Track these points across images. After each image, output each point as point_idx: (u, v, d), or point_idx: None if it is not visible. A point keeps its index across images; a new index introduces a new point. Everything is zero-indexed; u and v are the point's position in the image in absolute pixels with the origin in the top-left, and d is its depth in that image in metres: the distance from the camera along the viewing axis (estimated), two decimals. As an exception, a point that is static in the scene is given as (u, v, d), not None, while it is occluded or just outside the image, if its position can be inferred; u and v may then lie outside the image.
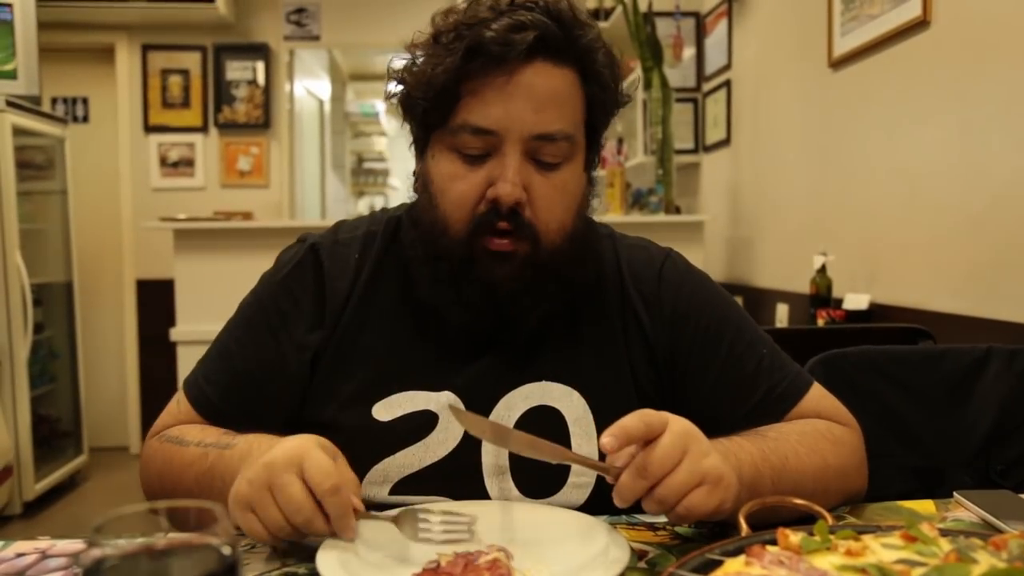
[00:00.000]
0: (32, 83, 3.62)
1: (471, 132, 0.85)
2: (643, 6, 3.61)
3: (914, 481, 1.25)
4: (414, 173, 0.94)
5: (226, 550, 0.49)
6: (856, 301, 2.44)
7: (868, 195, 2.50)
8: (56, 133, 3.90)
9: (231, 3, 4.53)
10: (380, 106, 7.60)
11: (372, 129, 8.11)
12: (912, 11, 2.19)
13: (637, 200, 3.66)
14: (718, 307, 0.96)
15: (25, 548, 0.79)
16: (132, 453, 4.56)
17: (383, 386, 0.90)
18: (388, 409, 0.89)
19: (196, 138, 4.67)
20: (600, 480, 0.88)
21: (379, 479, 0.88)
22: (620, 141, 3.94)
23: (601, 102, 0.90)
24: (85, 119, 4.68)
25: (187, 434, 0.88)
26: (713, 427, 0.75)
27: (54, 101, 4.60)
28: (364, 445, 0.86)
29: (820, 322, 2.48)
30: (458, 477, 0.88)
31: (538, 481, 0.88)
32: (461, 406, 0.88)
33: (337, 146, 6.66)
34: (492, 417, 0.89)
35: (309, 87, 5.41)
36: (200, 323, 3.21)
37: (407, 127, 0.94)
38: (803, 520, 0.71)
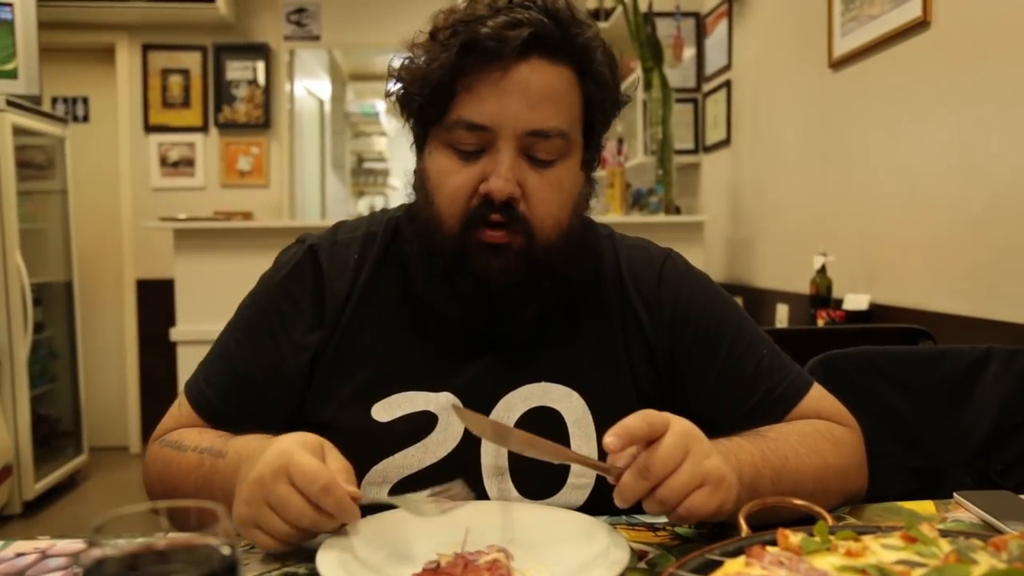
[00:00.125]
0: (32, 83, 3.62)
1: (465, 128, 0.85)
2: (643, 6, 3.61)
3: (914, 482, 1.25)
4: (413, 171, 0.94)
5: (226, 550, 0.49)
6: (856, 301, 2.44)
7: (868, 195, 2.50)
8: (56, 133, 3.90)
9: (231, 3, 4.53)
10: (380, 106, 7.61)
11: (372, 129, 8.12)
12: (912, 11, 2.19)
13: (637, 200, 3.66)
14: (718, 308, 0.96)
15: (25, 548, 0.78)
16: (132, 453, 4.56)
17: (382, 387, 0.89)
18: (387, 410, 0.89)
19: (196, 138, 4.67)
20: (599, 481, 0.87)
21: (378, 480, 0.88)
22: (620, 141, 3.94)
23: (599, 101, 0.90)
24: (85, 119, 4.68)
25: (185, 438, 0.88)
26: (713, 427, 0.75)
27: (54, 101, 4.60)
28: (363, 446, 0.86)
29: (820, 322, 2.48)
30: (457, 478, 0.88)
31: (538, 482, 0.88)
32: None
33: (337, 146, 6.66)
34: (491, 418, 0.89)
35: (309, 87, 5.42)
36: (200, 323, 3.22)
37: (407, 127, 0.94)
38: (803, 521, 0.71)
